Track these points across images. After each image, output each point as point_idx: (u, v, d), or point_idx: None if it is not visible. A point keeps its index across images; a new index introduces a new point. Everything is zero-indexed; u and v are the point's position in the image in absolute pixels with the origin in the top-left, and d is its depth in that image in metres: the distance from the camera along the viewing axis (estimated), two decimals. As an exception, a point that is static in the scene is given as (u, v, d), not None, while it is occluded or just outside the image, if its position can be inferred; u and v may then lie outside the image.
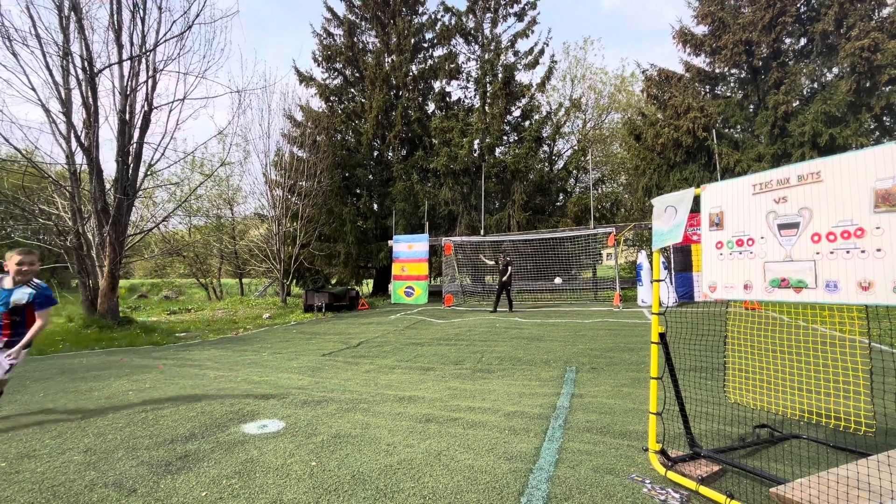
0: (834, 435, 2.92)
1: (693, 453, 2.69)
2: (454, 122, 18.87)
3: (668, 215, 2.63)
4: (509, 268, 12.64)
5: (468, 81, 21.04)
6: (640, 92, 23.21)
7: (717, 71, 17.83)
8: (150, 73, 10.34)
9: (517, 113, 20.23)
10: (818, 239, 1.99)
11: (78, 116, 9.70)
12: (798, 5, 15.82)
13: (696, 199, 2.58)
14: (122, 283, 12.61)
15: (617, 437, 3.14)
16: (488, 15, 20.19)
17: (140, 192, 11.35)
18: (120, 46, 9.92)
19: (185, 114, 47.44)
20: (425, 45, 21.10)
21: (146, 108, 10.37)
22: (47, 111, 9.54)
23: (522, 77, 35.08)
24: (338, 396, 4.32)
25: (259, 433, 3.35)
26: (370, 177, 20.87)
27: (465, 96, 21.42)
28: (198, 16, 10.88)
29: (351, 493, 2.42)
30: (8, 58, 14.81)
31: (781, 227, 2.13)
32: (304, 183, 17.09)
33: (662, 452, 2.63)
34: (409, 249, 15.97)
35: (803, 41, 16.41)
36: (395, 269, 16.26)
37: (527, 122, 19.98)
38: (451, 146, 18.39)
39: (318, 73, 21.23)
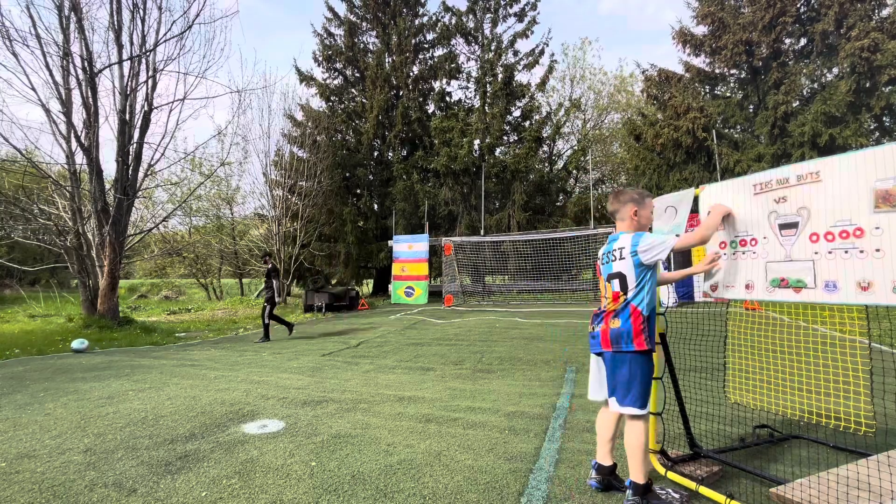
0: (834, 435, 2.92)
1: (693, 453, 2.68)
2: (454, 122, 18.88)
3: (668, 215, 2.63)
4: (273, 280, 8.70)
5: (468, 81, 21.07)
6: (639, 92, 23.22)
7: (717, 71, 17.84)
8: (150, 73, 10.34)
9: (517, 113, 20.24)
10: (816, 239, 1.99)
11: (78, 116, 9.72)
12: (798, 5, 15.83)
13: (696, 200, 2.58)
14: (122, 283, 12.61)
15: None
16: (488, 15, 20.21)
17: (140, 193, 11.35)
18: (120, 46, 9.92)
19: (185, 114, 47.56)
20: (426, 45, 21.12)
21: (146, 108, 10.37)
22: (47, 111, 9.55)
23: (522, 77, 35.06)
24: (338, 396, 4.32)
25: (259, 433, 3.35)
26: (370, 177, 20.87)
27: (466, 96, 21.45)
28: (198, 16, 10.90)
29: (351, 493, 2.42)
30: (8, 58, 14.82)
31: (782, 226, 2.13)
32: (304, 183, 17.09)
33: (662, 452, 2.63)
34: (409, 249, 15.98)
35: (803, 41, 16.41)
36: (395, 269, 16.26)
37: (527, 122, 20.00)
38: (451, 146, 18.40)
39: (319, 73, 21.27)
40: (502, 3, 19.95)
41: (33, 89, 9.30)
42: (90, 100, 9.56)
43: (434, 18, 20.68)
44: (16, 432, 3.44)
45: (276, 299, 8.68)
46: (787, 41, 16.42)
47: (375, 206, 21.03)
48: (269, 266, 8.84)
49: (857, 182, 1.86)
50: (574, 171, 22.01)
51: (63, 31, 9.41)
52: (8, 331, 9.78)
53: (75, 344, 7.68)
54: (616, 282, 2.27)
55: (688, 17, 36.47)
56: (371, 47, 21.35)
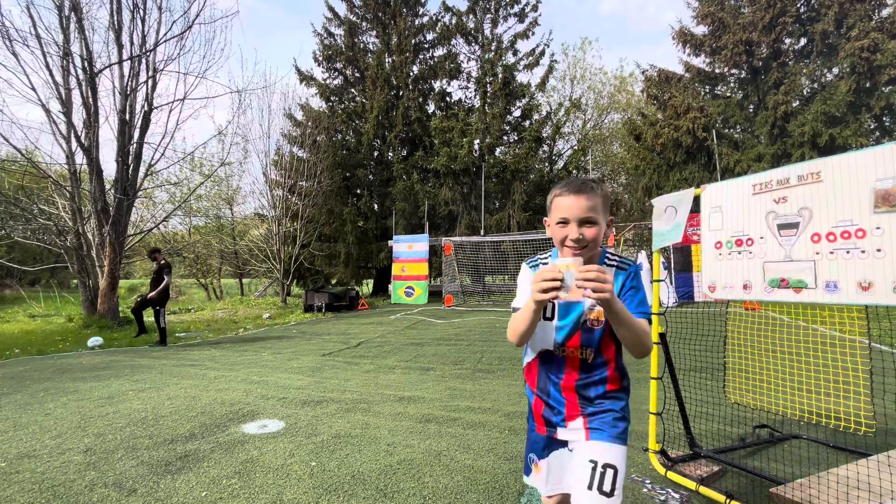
0: (834, 435, 2.92)
1: (693, 453, 2.69)
2: (454, 122, 18.88)
3: (668, 215, 2.63)
4: (165, 276, 8.11)
5: (468, 81, 21.06)
6: (639, 92, 23.22)
7: (717, 71, 17.85)
8: (150, 73, 10.35)
9: (517, 113, 20.24)
10: (818, 239, 1.99)
11: (78, 116, 9.72)
12: (798, 5, 15.84)
13: (696, 199, 2.58)
14: (122, 283, 12.60)
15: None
16: (488, 15, 20.21)
17: (140, 193, 11.35)
18: (120, 46, 9.92)
19: (185, 114, 47.51)
20: (426, 45, 21.11)
21: (146, 108, 10.38)
22: (47, 111, 9.56)
23: (522, 77, 35.04)
24: (338, 396, 4.32)
25: (259, 433, 3.35)
26: (370, 177, 20.87)
27: (466, 96, 21.44)
28: (198, 16, 10.90)
29: (351, 493, 2.42)
30: (8, 58, 14.82)
31: (781, 227, 2.13)
32: (304, 183, 17.10)
33: (662, 452, 2.63)
34: (409, 249, 15.97)
35: (803, 41, 16.42)
36: (395, 269, 16.26)
37: (527, 122, 19.99)
38: (451, 146, 18.39)
39: (319, 73, 21.25)
40: (503, 3, 19.94)
41: (33, 89, 9.31)
42: (90, 100, 9.56)
43: (434, 18, 20.67)
44: (16, 432, 3.44)
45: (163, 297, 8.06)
46: (787, 41, 16.43)
47: (375, 206, 21.02)
48: (163, 262, 8.14)
49: (858, 182, 1.86)
50: (574, 171, 21.99)
51: (63, 31, 9.41)
52: (8, 331, 9.78)
53: (91, 342, 7.87)
54: None
55: (688, 17, 36.45)
56: (371, 47, 21.35)
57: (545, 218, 1.42)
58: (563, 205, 1.32)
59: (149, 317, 8.83)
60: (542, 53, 19.87)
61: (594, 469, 1.28)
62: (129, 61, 9.99)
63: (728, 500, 2.15)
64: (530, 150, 18.67)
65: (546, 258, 1.47)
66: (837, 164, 1.94)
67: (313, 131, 17.98)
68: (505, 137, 20.08)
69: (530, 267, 1.46)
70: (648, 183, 17.74)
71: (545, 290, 1.13)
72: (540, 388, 1.43)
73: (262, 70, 44.90)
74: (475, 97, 20.75)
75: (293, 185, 17.09)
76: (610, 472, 1.26)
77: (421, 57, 21.18)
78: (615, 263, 1.38)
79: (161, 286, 8.00)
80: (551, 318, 1.38)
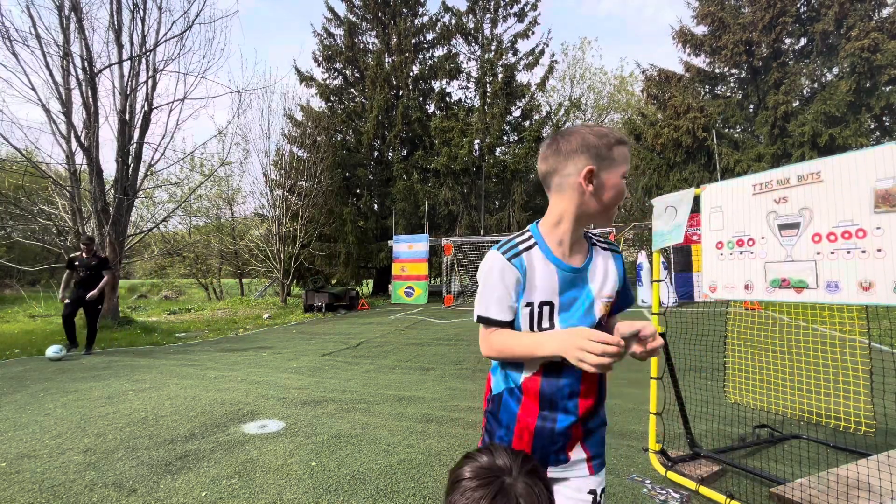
0: (834, 435, 2.92)
1: (693, 453, 2.68)
2: (454, 122, 18.88)
3: (668, 215, 2.63)
4: (106, 273, 7.11)
5: (468, 81, 21.05)
6: (639, 92, 23.21)
7: (717, 71, 17.84)
8: (150, 73, 10.34)
9: (517, 113, 20.24)
10: (819, 239, 1.99)
11: (78, 116, 9.70)
12: (798, 5, 15.83)
13: (697, 199, 2.58)
14: (122, 283, 12.58)
15: (617, 437, 3.14)
16: (488, 15, 20.21)
17: (140, 193, 11.35)
18: (120, 46, 9.92)
19: (185, 114, 47.43)
20: (426, 45, 21.10)
21: (146, 108, 10.37)
22: (47, 111, 9.54)
23: (522, 77, 35.01)
24: (338, 396, 4.32)
25: (259, 433, 3.35)
26: (370, 177, 20.87)
27: (466, 96, 21.43)
28: (198, 16, 10.91)
29: (351, 493, 2.42)
30: (8, 58, 14.83)
31: (782, 227, 2.13)
32: (304, 183, 17.09)
33: (662, 452, 2.63)
34: (409, 249, 15.97)
35: (803, 41, 16.42)
36: (395, 269, 16.26)
37: (527, 122, 19.99)
38: (451, 146, 18.40)
39: (319, 73, 21.24)
40: (502, 3, 19.94)
41: (33, 89, 9.30)
42: (90, 100, 9.55)
43: (434, 18, 20.67)
44: (16, 432, 3.44)
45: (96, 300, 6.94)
46: (787, 41, 16.43)
47: (375, 206, 21.02)
48: (104, 256, 7.22)
49: (858, 182, 1.86)
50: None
51: (63, 31, 9.40)
52: (8, 331, 9.77)
53: (50, 351, 6.52)
54: None
55: (688, 17, 36.47)
56: (371, 47, 21.34)
57: (589, 166, 0.99)
58: (628, 157, 1.04)
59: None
60: (542, 53, 19.87)
61: (595, 501, 1.07)
62: (129, 61, 9.98)
63: (728, 500, 2.15)
64: (530, 150, 18.66)
65: (525, 242, 1.06)
66: (837, 164, 1.94)
67: (313, 131, 17.98)
68: (505, 137, 20.08)
69: (508, 258, 1.02)
70: (648, 183, 17.74)
71: (600, 365, 0.87)
72: (540, 422, 1.03)
73: (262, 70, 44.95)
74: (475, 97, 20.75)
75: (293, 185, 17.08)
76: (601, 495, 1.09)
77: (421, 57, 21.17)
78: (606, 246, 1.14)
79: (105, 283, 7.06)
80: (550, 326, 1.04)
